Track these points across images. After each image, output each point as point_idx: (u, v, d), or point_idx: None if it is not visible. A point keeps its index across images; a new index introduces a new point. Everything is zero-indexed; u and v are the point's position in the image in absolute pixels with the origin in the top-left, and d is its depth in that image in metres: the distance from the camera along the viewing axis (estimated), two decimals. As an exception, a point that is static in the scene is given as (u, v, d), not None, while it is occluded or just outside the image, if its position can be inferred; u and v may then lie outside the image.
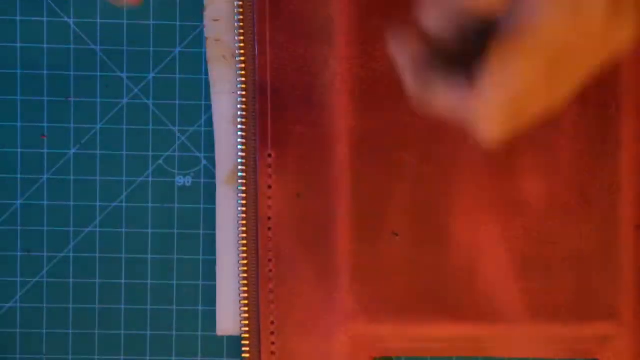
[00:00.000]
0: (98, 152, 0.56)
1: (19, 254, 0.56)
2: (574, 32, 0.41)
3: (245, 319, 0.56)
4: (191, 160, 0.56)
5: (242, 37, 0.55)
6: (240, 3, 0.54)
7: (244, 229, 0.55)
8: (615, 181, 0.55)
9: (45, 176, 0.56)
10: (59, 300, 0.57)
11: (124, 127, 0.56)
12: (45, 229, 0.56)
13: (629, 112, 0.54)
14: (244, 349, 0.56)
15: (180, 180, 0.57)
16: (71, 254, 0.57)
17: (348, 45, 0.54)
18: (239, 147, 0.55)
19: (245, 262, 0.55)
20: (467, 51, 0.43)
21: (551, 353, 0.56)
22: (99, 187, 0.56)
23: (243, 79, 0.55)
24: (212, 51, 0.55)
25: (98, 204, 0.56)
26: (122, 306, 0.57)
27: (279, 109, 0.55)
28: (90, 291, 0.57)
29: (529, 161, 0.54)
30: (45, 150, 0.56)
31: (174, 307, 0.57)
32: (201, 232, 0.57)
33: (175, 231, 0.57)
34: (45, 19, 0.56)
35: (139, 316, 0.57)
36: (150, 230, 0.57)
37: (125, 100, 0.56)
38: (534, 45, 0.41)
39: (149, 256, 0.57)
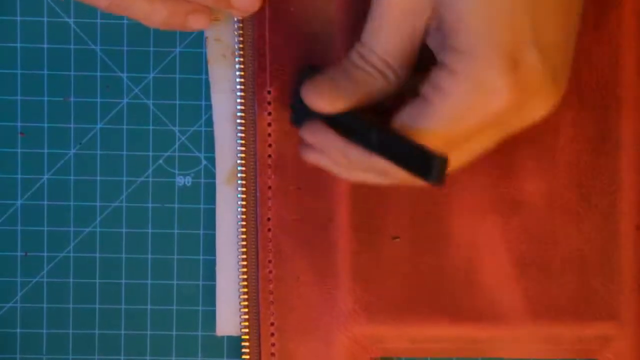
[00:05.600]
0: (98, 152, 0.56)
1: (19, 254, 0.56)
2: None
3: (245, 319, 0.56)
4: (191, 160, 0.56)
5: (241, 37, 0.55)
6: (240, 4, 0.54)
7: (244, 229, 0.55)
8: (615, 181, 0.55)
9: (45, 176, 0.56)
10: (59, 300, 0.57)
11: (124, 127, 0.56)
12: (45, 229, 0.56)
13: (629, 112, 0.54)
14: (243, 349, 0.56)
15: (180, 180, 0.57)
16: (71, 254, 0.57)
17: (348, 44, 0.54)
18: (239, 147, 0.55)
19: (245, 262, 0.55)
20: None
21: (551, 353, 0.56)
22: (99, 187, 0.56)
23: (243, 79, 0.55)
24: (212, 51, 0.55)
25: (98, 204, 0.56)
26: (122, 306, 0.57)
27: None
28: (90, 291, 0.57)
29: (528, 161, 0.54)
30: (45, 150, 0.56)
31: (174, 307, 0.57)
32: (201, 232, 0.57)
33: (175, 231, 0.57)
34: (45, 19, 0.56)
35: (139, 316, 0.57)
36: (150, 230, 0.57)
37: (125, 100, 0.56)
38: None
39: (149, 256, 0.57)
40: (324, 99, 0.48)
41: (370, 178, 0.50)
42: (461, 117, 0.46)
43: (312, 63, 0.53)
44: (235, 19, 0.55)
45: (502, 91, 0.45)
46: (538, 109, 0.46)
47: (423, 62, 0.48)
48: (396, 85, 0.48)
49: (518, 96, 0.45)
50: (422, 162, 0.45)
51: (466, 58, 0.45)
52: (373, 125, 0.47)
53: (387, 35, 0.48)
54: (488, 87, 0.45)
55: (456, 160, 0.48)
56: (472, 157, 0.49)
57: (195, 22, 0.52)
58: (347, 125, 0.49)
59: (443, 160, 0.44)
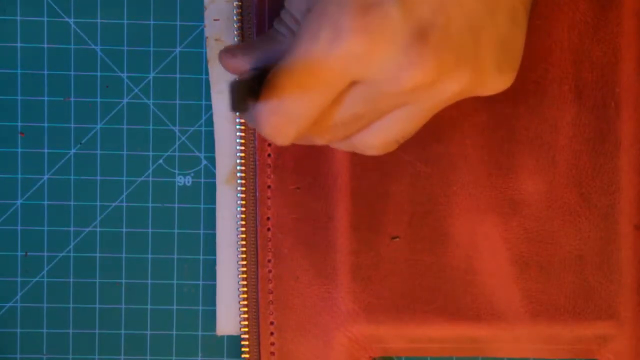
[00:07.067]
0: (98, 152, 0.56)
1: (19, 254, 0.56)
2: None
3: (245, 319, 0.56)
4: (191, 160, 0.56)
5: (241, 38, 0.55)
6: (239, 3, 0.54)
7: (244, 229, 0.55)
8: (614, 181, 0.55)
9: (45, 176, 0.56)
10: (59, 300, 0.57)
11: (124, 127, 0.56)
12: (45, 229, 0.56)
13: (628, 111, 0.54)
14: (243, 349, 0.56)
15: (180, 180, 0.57)
16: (71, 254, 0.57)
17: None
18: (239, 147, 0.55)
19: (244, 262, 0.55)
20: None
21: (551, 353, 0.56)
22: (99, 187, 0.56)
23: (243, 79, 0.55)
24: (212, 51, 0.55)
25: (98, 204, 0.56)
26: (122, 306, 0.57)
27: (279, 109, 0.55)
28: (90, 291, 0.57)
29: (528, 161, 0.54)
30: (46, 150, 0.56)
31: (174, 307, 0.57)
32: (201, 232, 0.57)
33: (175, 231, 0.57)
34: (45, 19, 0.56)
35: (139, 316, 0.57)
36: (150, 230, 0.57)
37: (125, 100, 0.56)
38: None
39: (149, 256, 0.57)
40: (228, 53, 0.49)
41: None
42: (310, 56, 0.44)
43: None
44: (235, 18, 0.55)
45: (346, 30, 0.43)
46: (398, 68, 0.44)
47: None
48: None
49: (365, 42, 0.43)
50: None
51: None
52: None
53: None
54: (334, 25, 0.44)
55: (334, 121, 0.47)
56: (359, 119, 0.48)
57: None
58: None
59: (236, 84, 0.43)
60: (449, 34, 0.44)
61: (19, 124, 0.56)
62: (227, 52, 0.49)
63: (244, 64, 0.49)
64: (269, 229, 0.55)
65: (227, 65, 0.50)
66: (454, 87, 0.46)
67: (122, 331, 0.57)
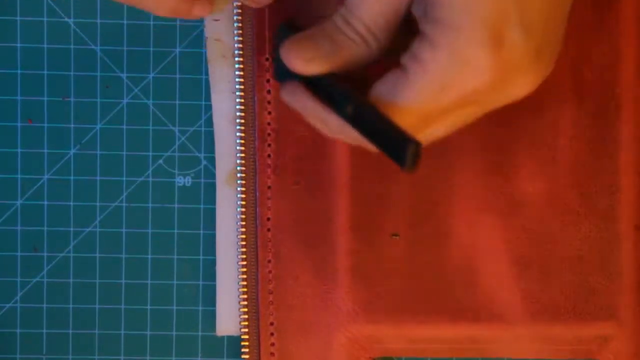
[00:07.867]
0: (98, 152, 0.56)
1: (19, 254, 0.56)
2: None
3: (245, 319, 0.56)
4: (191, 160, 0.56)
5: (241, 37, 0.55)
6: (239, 3, 0.54)
7: (244, 229, 0.55)
8: (614, 181, 0.55)
9: (45, 176, 0.56)
10: (59, 300, 0.57)
11: (124, 127, 0.56)
12: (45, 229, 0.56)
13: (629, 112, 0.54)
14: (243, 349, 0.56)
15: (180, 180, 0.57)
16: (71, 254, 0.57)
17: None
18: (239, 147, 0.55)
19: (244, 262, 0.55)
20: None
21: (551, 354, 0.56)
22: (99, 187, 0.56)
23: (242, 79, 0.55)
24: (212, 51, 0.55)
25: (98, 204, 0.56)
26: (122, 306, 0.57)
27: (279, 109, 0.55)
28: (90, 291, 0.57)
29: (528, 161, 0.54)
30: (45, 150, 0.56)
31: (174, 307, 0.57)
32: (201, 232, 0.57)
33: (175, 231, 0.57)
34: (45, 19, 0.56)
35: (139, 316, 0.57)
36: (150, 230, 0.57)
37: (125, 100, 0.56)
38: None
39: (149, 256, 0.57)
40: (301, 58, 0.47)
41: (349, 142, 0.49)
42: (439, 92, 0.44)
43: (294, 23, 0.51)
44: (235, 19, 0.55)
45: (484, 69, 0.44)
46: (519, 88, 0.45)
47: (406, 28, 0.47)
48: (377, 53, 0.47)
49: (500, 75, 0.44)
50: (396, 144, 0.43)
51: (449, 31, 0.44)
52: (350, 95, 0.46)
53: (373, 3, 0.46)
54: (470, 64, 0.44)
55: (430, 135, 0.47)
56: (446, 134, 0.48)
57: (201, 10, 0.51)
58: (325, 91, 0.47)
59: (417, 147, 0.42)
60: (554, 48, 0.46)
61: (19, 124, 0.56)
62: (302, 57, 0.47)
63: (320, 69, 0.47)
64: (269, 229, 0.55)
65: (298, 67, 0.47)
66: (524, 91, 0.46)
67: (122, 331, 0.57)
